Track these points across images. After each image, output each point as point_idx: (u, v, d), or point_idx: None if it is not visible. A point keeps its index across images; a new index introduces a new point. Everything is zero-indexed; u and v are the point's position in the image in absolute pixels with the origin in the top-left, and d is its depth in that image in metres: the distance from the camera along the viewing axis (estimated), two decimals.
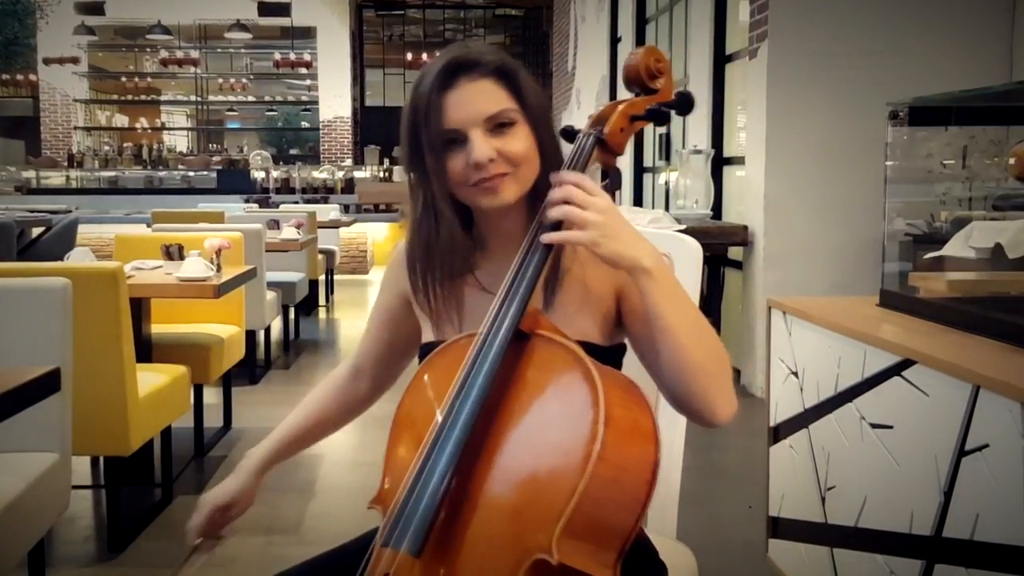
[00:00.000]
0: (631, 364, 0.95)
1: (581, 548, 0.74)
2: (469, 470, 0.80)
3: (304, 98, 12.40)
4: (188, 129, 13.27)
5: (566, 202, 0.82)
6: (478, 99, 0.88)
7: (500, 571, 0.75)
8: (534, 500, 0.76)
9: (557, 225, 0.84)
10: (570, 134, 0.95)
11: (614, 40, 6.57)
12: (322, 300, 5.96)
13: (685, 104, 0.96)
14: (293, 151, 12.48)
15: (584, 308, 0.94)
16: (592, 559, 0.75)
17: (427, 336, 1.00)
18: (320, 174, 8.59)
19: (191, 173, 9.15)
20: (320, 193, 8.13)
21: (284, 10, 10.70)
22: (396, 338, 1.06)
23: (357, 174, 8.80)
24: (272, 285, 3.96)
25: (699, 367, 0.84)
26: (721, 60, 4.30)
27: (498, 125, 0.89)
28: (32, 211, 5.76)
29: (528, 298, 0.85)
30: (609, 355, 0.94)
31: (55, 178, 9.09)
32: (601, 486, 0.74)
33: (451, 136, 0.89)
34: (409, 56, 12.35)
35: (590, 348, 0.85)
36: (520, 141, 0.89)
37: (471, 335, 0.87)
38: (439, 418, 0.82)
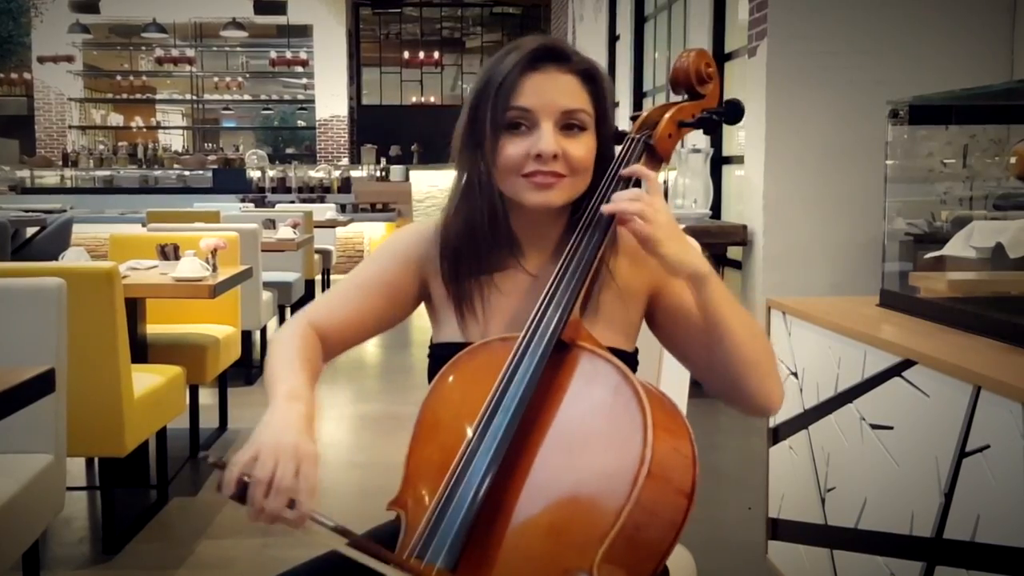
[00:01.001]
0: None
1: (617, 572, 0.73)
2: (505, 484, 0.78)
3: (300, 97, 12.37)
4: (183, 128, 13.22)
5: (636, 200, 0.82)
6: (561, 90, 0.86)
7: None
8: (574, 520, 0.75)
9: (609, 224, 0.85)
10: (617, 136, 0.93)
11: (612, 39, 6.56)
12: None
13: (735, 112, 0.95)
14: (289, 150, 12.44)
15: (616, 314, 0.93)
16: None
17: (442, 335, 0.96)
18: (316, 173, 8.57)
19: (186, 172, 9.12)
20: (316, 192, 8.11)
21: (280, 8, 10.67)
22: (378, 316, 0.95)
23: (354, 173, 8.77)
24: (268, 285, 3.95)
25: (755, 362, 0.86)
26: (720, 59, 4.28)
27: (569, 125, 0.86)
28: (26, 211, 5.74)
29: (573, 305, 0.83)
30: (632, 360, 0.94)
31: (49, 177, 9.06)
32: (644, 510, 0.73)
33: (519, 116, 0.86)
34: (406, 55, 12.33)
35: (618, 355, 0.84)
36: (585, 148, 0.87)
37: (505, 339, 0.86)
38: (475, 426, 0.80)
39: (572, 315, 0.83)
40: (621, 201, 0.83)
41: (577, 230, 0.87)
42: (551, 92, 0.85)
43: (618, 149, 0.93)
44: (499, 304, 0.94)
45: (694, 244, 0.88)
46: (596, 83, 0.88)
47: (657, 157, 0.92)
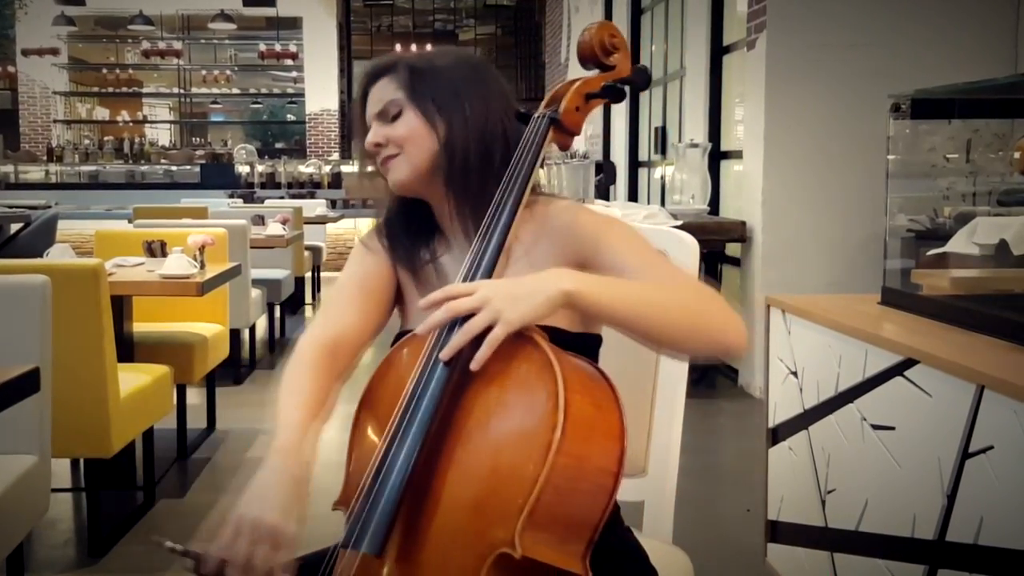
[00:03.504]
0: (626, 361, 0.92)
1: (546, 539, 0.73)
2: (429, 465, 0.79)
3: (290, 90, 12.27)
4: (171, 122, 13.10)
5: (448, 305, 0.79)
6: (374, 100, 0.97)
7: (463, 567, 0.74)
8: (495, 493, 0.75)
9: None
10: (525, 117, 0.95)
11: None
12: (308, 298, 5.90)
13: (640, 79, 0.97)
14: (278, 145, 12.35)
15: None
16: (558, 551, 0.74)
17: (406, 324, 1.00)
18: (306, 168, 8.51)
19: (174, 167, 9.04)
20: (306, 188, 8.06)
21: (269, 0, 10.57)
22: (379, 311, 1.00)
23: (344, 168, 8.72)
24: (257, 283, 3.91)
25: (677, 332, 0.83)
26: (718, 52, 4.26)
27: (387, 117, 0.95)
28: (10, 206, 5.68)
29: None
30: (580, 343, 0.91)
31: (34, 172, 8.95)
32: (563, 477, 0.73)
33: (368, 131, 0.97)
34: (398, 47, 12.24)
35: (557, 334, 0.83)
36: (403, 126, 0.94)
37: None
38: (397, 413, 0.81)
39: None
40: (435, 317, 0.80)
41: (488, 211, 0.89)
42: (369, 107, 0.97)
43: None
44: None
45: (547, 273, 0.82)
46: (403, 72, 0.95)
47: (565, 131, 0.94)
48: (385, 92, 0.95)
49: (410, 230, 1.00)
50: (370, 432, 0.87)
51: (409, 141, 0.94)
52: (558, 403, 0.74)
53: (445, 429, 0.80)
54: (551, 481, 0.72)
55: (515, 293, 0.79)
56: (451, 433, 0.80)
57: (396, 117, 0.94)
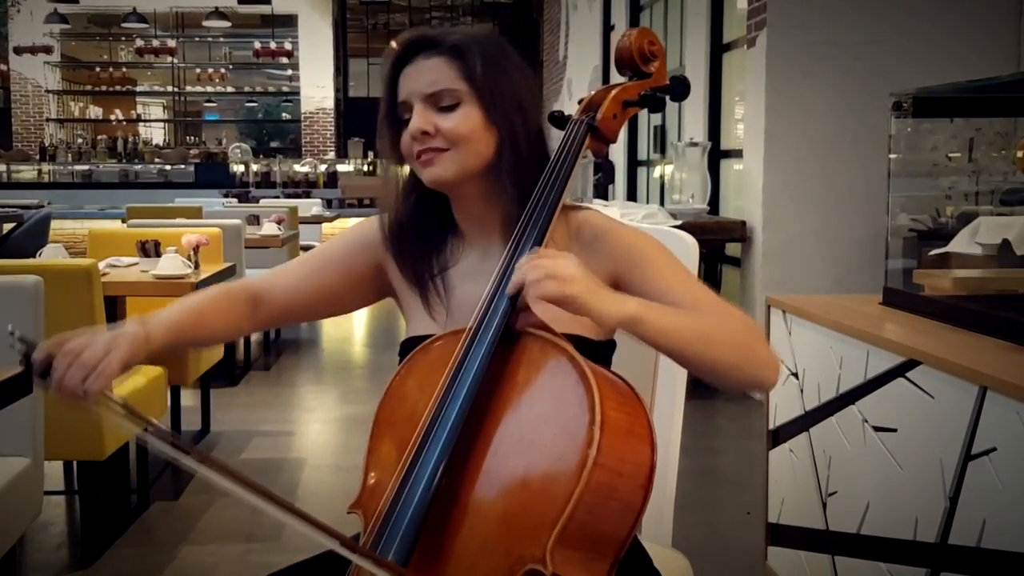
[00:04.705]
0: (626, 363, 0.92)
1: (575, 557, 0.72)
2: (458, 475, 0.78)
3: (285, 89, 12.24)
4: (165, 121, 13.05)
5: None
6: (425, 75, 0.89)
7: None
8: (527, 507, 0.74)
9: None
10: (560, 120, 0.93)
11: (607, 28, 6.51)
12: None
13: (680, 89, 0.95)
14: (274, 144, 12.32)
15: None
16: (586, 569, 0.73)
17: (411, 330, 0.97)
18: (302, 167, 8.50)
19: (168, 167, 9.02)
20: (301, 187, 8.04)
21: None
22: (328, 293, 0.98)
23: (340, 167, 8.71)
24: None
25: (724, 366, 0.83)
26: (718, 49, 4.25)
27: (440, 103, 0.89)
28: (2, 206, 5.64)
29: (519, 293, 0.81)
30: (600, 350, 0.91)
31: (26, 172, 8.92)
32: (596, 493, 0.72)
33: (403, 112, 0.91)
34: (394, 45, 12.18)
35: (581, 343, 0.82)
36: (460, 121, 0.88)
37: (456, 332, 0.85)
38: (425, 421, 0.80)
39: (519, 303, 0.82)
40: (523, 272, 0.78)
41: (523, 216, 0.87)
42: (416, 80, 0.90)
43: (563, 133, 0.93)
44: (461, 294, 0.94)
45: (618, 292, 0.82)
46: (465, 57, 0.89)
47: (602, 138, 0.93)
48: (441, 75, 0.88)
49: (423, 234, 0.95)
50: (391, 438, 0.85)
51: (466, 140, 0.88)
52: (595, 418, 0.73)
53: (474, 438, 0.78)
54: (585, 497, 0.71)
55: (598, 289, 0.78)
56: (481, 443, 0.78)
57: (451, 108, 0.88)
